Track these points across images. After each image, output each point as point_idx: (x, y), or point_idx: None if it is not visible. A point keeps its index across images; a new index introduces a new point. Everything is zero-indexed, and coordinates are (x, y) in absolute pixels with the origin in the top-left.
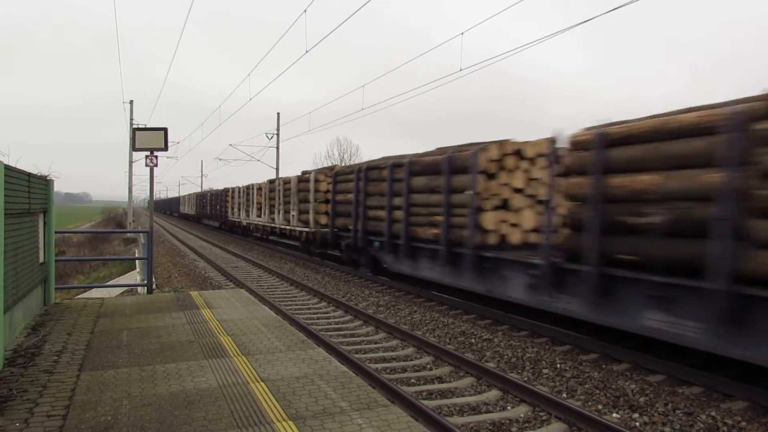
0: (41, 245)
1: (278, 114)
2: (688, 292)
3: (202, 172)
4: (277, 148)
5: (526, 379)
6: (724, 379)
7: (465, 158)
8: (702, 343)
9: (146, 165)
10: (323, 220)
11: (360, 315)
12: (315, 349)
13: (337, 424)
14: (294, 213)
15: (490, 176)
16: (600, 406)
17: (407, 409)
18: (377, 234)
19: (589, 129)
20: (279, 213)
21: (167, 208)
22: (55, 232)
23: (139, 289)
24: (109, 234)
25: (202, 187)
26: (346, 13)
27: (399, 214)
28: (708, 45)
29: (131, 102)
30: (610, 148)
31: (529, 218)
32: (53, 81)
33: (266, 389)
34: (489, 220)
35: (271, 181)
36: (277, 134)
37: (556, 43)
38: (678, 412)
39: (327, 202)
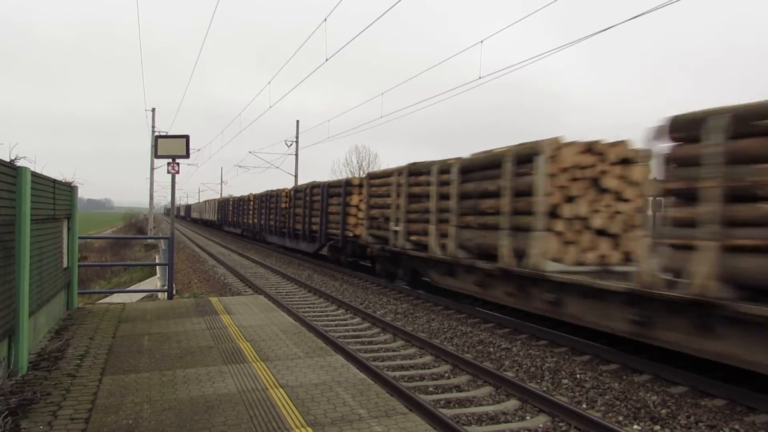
0: (65, 250)
1: (297, 122)
2: None
3: (221, 179)
4: (296, 155)
5: (545, 389)
6: (747, 392)
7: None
8: None
9: (168, 172)
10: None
11: (378, 322)
12: (333, 356)
13: (356, 431)
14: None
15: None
16: (620, 418)
17: (425, 418)
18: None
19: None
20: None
21: (198, 216)
22: (79, 238)
23: (160, 294)
24: (130, 240)
25: (221, 193)
26: (366, 22)
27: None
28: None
29: (153, 110)
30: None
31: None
32: (80, 90)
33: (285, 395)
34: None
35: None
36: (297, 142)
37: (572, 53)
38: (701, 424)
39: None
